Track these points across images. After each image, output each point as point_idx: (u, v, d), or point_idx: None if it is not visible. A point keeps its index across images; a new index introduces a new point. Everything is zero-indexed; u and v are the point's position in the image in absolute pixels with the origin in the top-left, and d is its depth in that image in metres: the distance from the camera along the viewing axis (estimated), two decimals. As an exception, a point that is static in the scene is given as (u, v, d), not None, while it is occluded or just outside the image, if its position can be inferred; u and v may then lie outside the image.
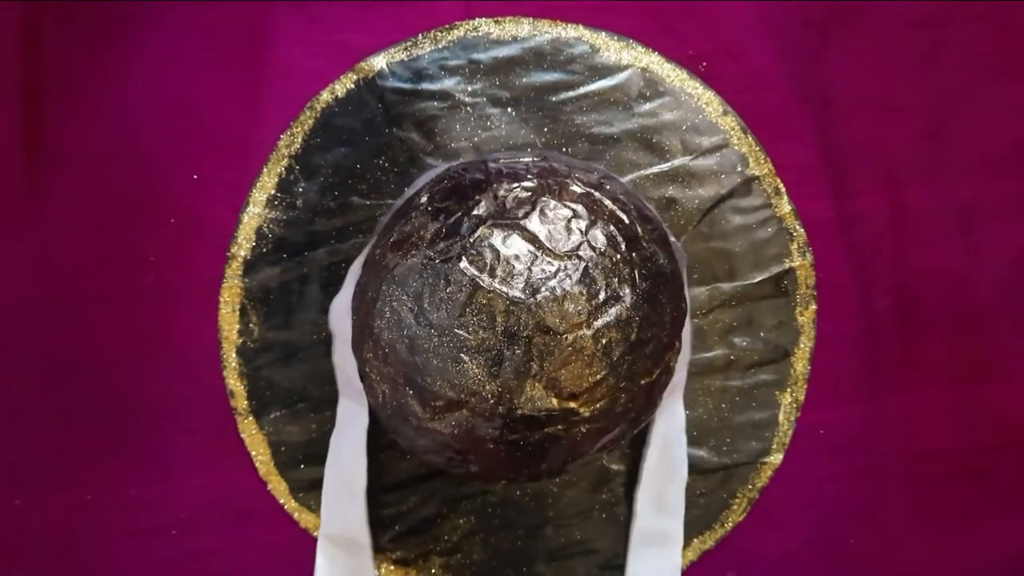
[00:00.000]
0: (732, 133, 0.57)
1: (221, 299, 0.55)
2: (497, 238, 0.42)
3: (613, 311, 0.41)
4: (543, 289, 0.41)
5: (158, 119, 0.55)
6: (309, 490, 0.55)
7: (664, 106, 0.57)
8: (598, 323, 0.41)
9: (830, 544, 0.58)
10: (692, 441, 0.56)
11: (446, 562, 0.55)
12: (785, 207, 0.57)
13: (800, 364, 0.57)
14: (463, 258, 0.41)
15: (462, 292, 0.41)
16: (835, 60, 0.58)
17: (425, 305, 0.42)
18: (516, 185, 0.43)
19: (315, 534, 0.55)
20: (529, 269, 0.41)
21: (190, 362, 0.55)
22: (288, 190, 0.56)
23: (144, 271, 0.55)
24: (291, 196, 0.56)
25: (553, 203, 0.43)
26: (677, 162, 0.57)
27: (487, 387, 0.41)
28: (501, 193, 0.43)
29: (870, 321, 0.58)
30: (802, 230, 0.57)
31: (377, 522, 0.55)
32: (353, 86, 0.56)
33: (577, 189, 0.44)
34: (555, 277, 0.41)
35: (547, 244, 0.42)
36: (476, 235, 0.42)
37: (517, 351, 0.41)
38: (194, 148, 0.56)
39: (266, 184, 0.56)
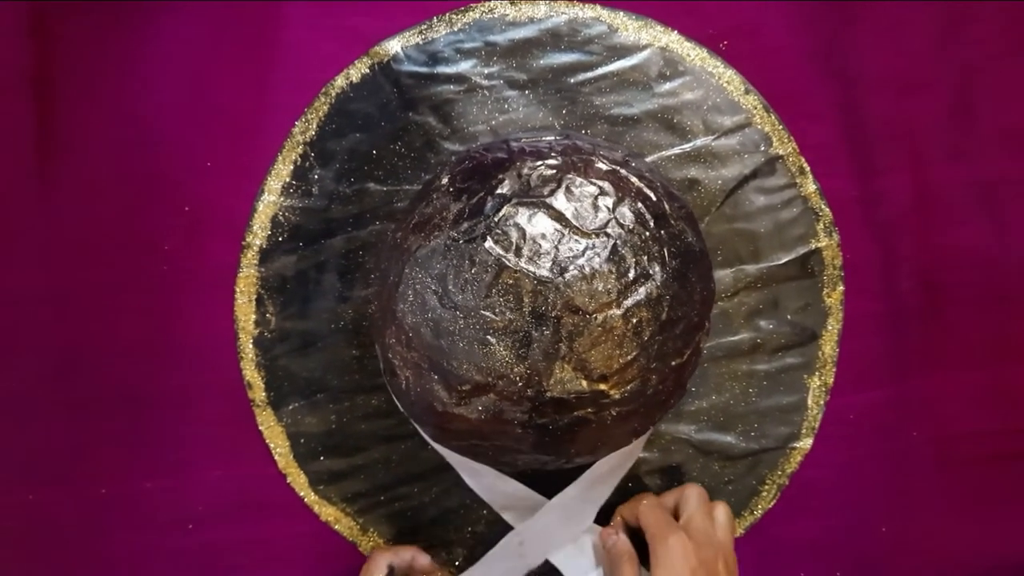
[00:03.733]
0: (755, 112, 0.56)
1: (237, 288, 0.54)
2: (522, 217, 0.40)
3: (643, 290, 0.40)
4: (571, 268, 0.40)
5: (170, 106, 0.54)
6: (329, 482, 0.54)
7: (684, 86, 0.56)
8: (628, 302, 0.40)
9: (862, 530, 0.56)
10: (719, 427, 0.55)
11: (470, 553, 0.54)
12: (810, 186, 0.56)
13: (828, 347, 0.56)
14: (488, 238, 0.40)
15: (487, 272, 0.40)
16: (858, 36, 0.57)
17: (449, 287, 0.40)
18: (540, 163, 0.42)
19: (336, 527, 0.54)
20: (556, 248, 0.40)
21: (206, 352, 0.54)
22: (303, 177, 0.55)
23: (158, 260, 0.54)
24: (306, 183, 0.55)
25: (579, 180, 0.42)
26: (699, 142, 0.56)
27: (515, 370, 0.40)
28: (525, 171, 0.42)
29: (897, 302, 0.57)
30: (827, 209, 0.56)
31: (400, 513, 0.54)
32: (368, 71, 0.55)
33: (603, 166, 0.43)
34: (583, 255, 0.40)
35: (574, 222, 0.40)
36: (501, 214, 0.41)
37: (545, 332, 0.39)
38: (207, 136, 0.55)
39: (281, 171, 0.55)
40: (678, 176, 0.55)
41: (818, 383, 0.56)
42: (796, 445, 0.56)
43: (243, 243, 0.54)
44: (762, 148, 0.56)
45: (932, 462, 0.57)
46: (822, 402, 0.56)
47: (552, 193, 0.41)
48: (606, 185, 0.42)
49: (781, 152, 0.56)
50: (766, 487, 0.55)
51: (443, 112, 0.55)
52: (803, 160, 0.56)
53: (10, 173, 0.54)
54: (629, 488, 0.55)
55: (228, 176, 0.55)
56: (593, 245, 0.40)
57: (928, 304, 0.57)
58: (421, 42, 0.55)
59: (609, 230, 0.40)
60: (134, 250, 0.54)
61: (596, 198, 0.41)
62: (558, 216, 0.41)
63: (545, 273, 0.39)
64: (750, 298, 0.56)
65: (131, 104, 0.54)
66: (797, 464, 0.56)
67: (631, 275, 0.40)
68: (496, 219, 0.40)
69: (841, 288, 0.56)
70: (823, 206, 0.56)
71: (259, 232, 0.54)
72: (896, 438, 0.57)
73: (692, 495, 0.48)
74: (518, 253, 0.40)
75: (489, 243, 0.40)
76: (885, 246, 0.57)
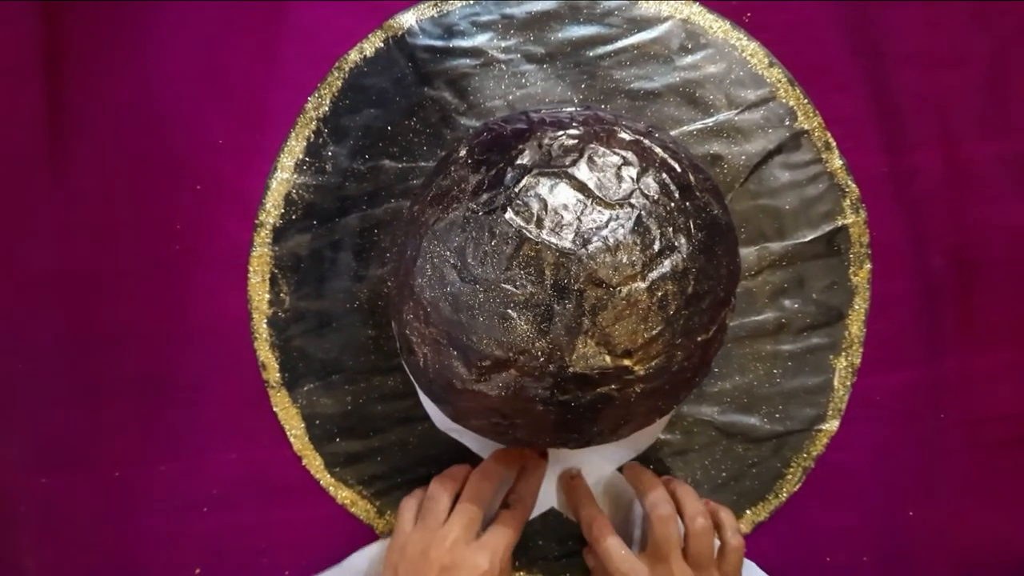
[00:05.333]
0: (779, 85, 0.55)
1: (250, 268, 0.53)
2: (544, 187, 0.39)
3: (668, 262, 0.39)
4: (594, 239, 0.38)
5: (181, 84, 0.53)
6: (345, 465, 0.53)
7: (707, 59, 0.54)
8: (653, 275, 0.39)
9: (889, 514, 0.55)
10: (743, 408, 0.54)
11: (488, 537, 0.53)
12: (836, 162, 0.54)
13: (855, 326, 0.55)
14: (508, 209, 0.39)
15: (508, 244, 0.39)
16: (886, 7, 0.55)
17: (469, 260, 0.39)
18: (561, 133, 0.41)
19: (352, 510, 0.53)
20: (579, 219, 0.39)
21: (219, 333, 0.53)
22: (317, 154, 0.54)
23: (170, 239, 0.53)
24: (320, 160, 0.54)
25: (602, 150, 0.40)
26: (722, 117, 0.54)
27: (536, 344, 0.38)
28: (546, 141, 0.41)
29: (927, 281, 0.55)
30: (855, 186, 0.55)
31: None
32: (382, 44, 0.54)
33: (626, 136, 0.42)
34: (607, 227, 0.39)
35: (597, 192, 0.39)
36: (521, 185, 0.39)
37: (568, 305, 0.38)
38: (219, 113, 0.54)
39: (294, 148, 0.54)
40: (700, 151, 0.54)
41: (844, 364, 0.54)
42: (822, 427, 0.54)
43: (256, 222, 0.53)
44: (787, 122, 0.54)
45: (961, 445, 0.56)
46: (849, 383, 0.54)
47: (574, 163, 0.40)
48: (629, 155, 0.40)
49: (806, 127, 0.54)
50: (791, 470, 0.54)
51: (459, 87, 0.54)
52: (829, 135, 0.55)
53: (21, 155, 0.53)
54: (652, 471, 0.53)
55: (240, 154, 0.54)
56: (617, 216, 0.39)
57: (959, 282, 0.56)
58: (436, 15, 0.54)
59: (633, 201, 0.39)
60: (146, 230, 0.53)
61: (619, 168, 0.40)
62: (580, 186, 0.39)
63: (568, 245, 0.38)
64: (774, 277, 0.54)
65: (141, 83, 0.53)
66: (823, 446, 0.54)
67: (656, 247, 0.39)
68: (516, 190, 0.39)
69: (868, 266, 0.55)
70: (850, 182, 0.55)
71: (272, 210, 0.53)
72: (925, 420, 0.55)
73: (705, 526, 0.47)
74: (539, 224, 0.39)
75: (509, 214, 0.39)
76: (914, 223, 0.56)
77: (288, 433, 0.53)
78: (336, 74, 0.54)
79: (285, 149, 0.53)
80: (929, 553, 0.55)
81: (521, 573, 0.53)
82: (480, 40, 0.54)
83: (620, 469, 0.53)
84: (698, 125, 0.54)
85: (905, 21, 0.56)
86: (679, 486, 0.50)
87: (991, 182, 0.56)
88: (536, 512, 0.52)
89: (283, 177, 0.53)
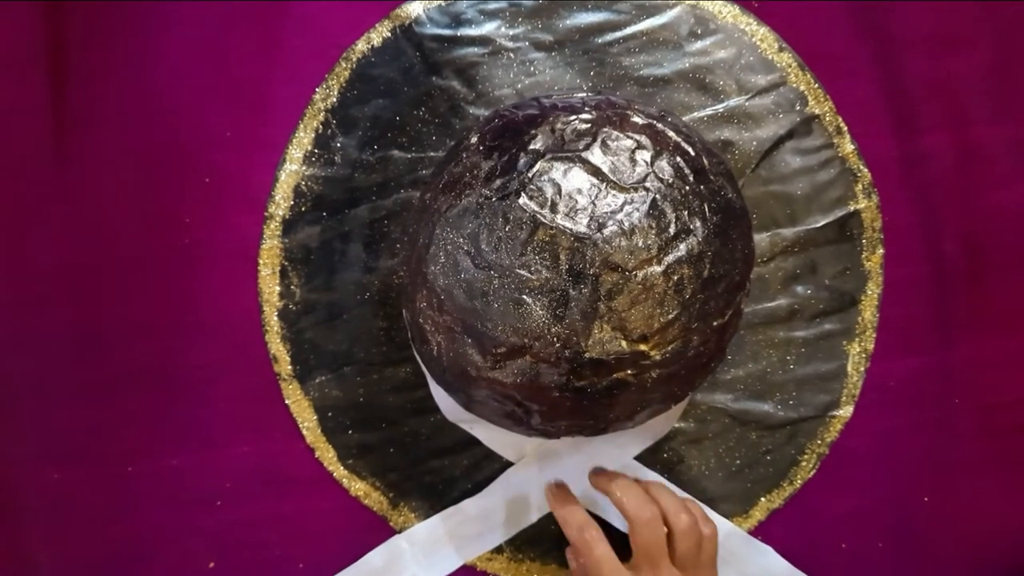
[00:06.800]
0: (789, 70, 0.54)
1: (260, 260, 0.53)
2: (557, 172, 0.39)
3: (684, 246, 0.39)
4: (609, 223, 0.38)
5: (187, 77, 0.53)
6: (358, 456, 0.53)
7: (716, 44, 0.54)
8: (669, 259, 0.38)
9: (904, 500, 0.55)
10: (756, 395, 0.54)
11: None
12: (848, 146, 0.54)
13: (868, 312, 0.54)
14: (522, 194, 0.39)
15: (522, 230, 0.38)
16: (895, -9, 0.55)
17: (483, 246, 0.39)
18: (574, 117, 0.41)
19: (366, 502, 0.53)
20: (593, 203, 0.38)
21: (230, 326, 0.53)
22: (326, 145, 0.53)
23: (179, 233, 0.53)
24: (329, 151, 0.53)
25: (615, 134, 0.40)
26: (732, 102, 0.54)
27: (552, 330, 0.38)
28: (559, 126, 0.40)
29: (939, 265, 0.55)
30: (866, 170, 0.54)
31: (431, 486, 0.53)
32: (389, 34, 0.54)
33: (639, 120, 0.41)
34: (622, 210, 0.38)
35: (611, 176, 0.39)
36: (535, 170, 0.39)
37: (583, 290, 0.38)
38: (226, 106, 0.53)
39: (303, 140, 0.53)
40: (711, 138, 0.54)
41: (858, 350, 0.54)
42: (836, 413, 0.54)
43: (266, 214, 0.53)
44: (797, 107, 0.54)
45: (975, 430, 0.55)
46: (862, 369, 0.54)
47: (587, 147, 0.39)
48: (643, 139, 0.40)
49: (817, 111, 0.54)
50: (805, 457, 0.54)
51: (467, 76, 0.53)
52: (840, 120, 0.54)
53: (27, 149, 0.53)
54: (666, 459, 0.53)
55: (249, 146, 0.53)
56: (632, 200, 0.38)
57: (971, 267, 0.55)
58: (444, 3, 0.54)
59: (648, 184, 0.39)
60: (155, 224, 0.53)
61: (633, 152, 0.40)
62: (594, 170, 0.39)
63: (582, 229, 0.38)
64: (787, 263, 0.54)
65: (147, 76, 0.53)
66: (837, 433, 0.54)
67: (672, 230, 0.38)
68: (530, 175, 0.39)
69: (881, 251, 0.54)
70: (862, 167, 0.54)
71: (281, 203, 0.53)
72: (938, 406, 0.55)
73: (686, 524, 0.45)
74: (554, 209, 0.38)
75: (523, 199, 0.38)
76: (926, 208, 0.55)
77: (300, 425, 0.53)
78: (344, 64, 0.53)
79: (294, 141, 0.53)
80: (943, 538, 0.55)
81: (536, 563, 0.53)
82: (488, 28, 0.54)
83: (635, 461, 0.53)
84: (708, 111, 0.54)
85: (914, 6, 0.55)
86: (652, 485, 0.48)
87: (1002, 166, 0.56)
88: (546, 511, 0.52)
89: (292, 169, 0.53)
